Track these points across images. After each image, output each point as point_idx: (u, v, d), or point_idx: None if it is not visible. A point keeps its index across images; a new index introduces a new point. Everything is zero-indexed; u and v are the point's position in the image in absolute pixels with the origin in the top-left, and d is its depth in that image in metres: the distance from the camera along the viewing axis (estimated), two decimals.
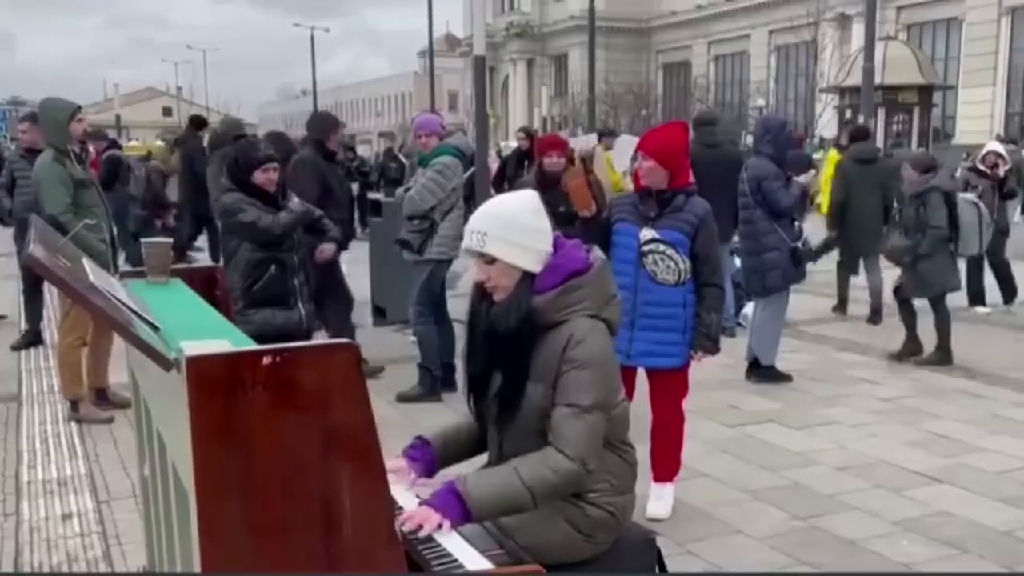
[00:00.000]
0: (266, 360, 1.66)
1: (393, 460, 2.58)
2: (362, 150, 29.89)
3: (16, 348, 7.95)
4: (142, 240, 2.83)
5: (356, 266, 8.30)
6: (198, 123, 11.82)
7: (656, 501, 4.34)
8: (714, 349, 4.29)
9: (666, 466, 4.39)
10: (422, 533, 2.26)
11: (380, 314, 8.85)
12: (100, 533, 4.28)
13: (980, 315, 9.20)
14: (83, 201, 5.89)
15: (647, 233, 4.18)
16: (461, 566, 2.12)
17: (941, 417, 5.92)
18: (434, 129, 6.42)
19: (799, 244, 6.37)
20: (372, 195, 11.46)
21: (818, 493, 4.67)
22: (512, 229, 2.49)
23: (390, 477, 2.55)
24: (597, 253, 2.63)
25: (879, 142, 26.71)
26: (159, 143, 14.29)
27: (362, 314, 8.96)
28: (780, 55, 45.25)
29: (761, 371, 6.74)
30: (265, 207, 4.94)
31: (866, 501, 4.56)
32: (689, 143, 4.58)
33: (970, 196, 7.78)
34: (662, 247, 4.15)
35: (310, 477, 1.73)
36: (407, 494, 2.53)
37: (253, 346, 1.72)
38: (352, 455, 1.76)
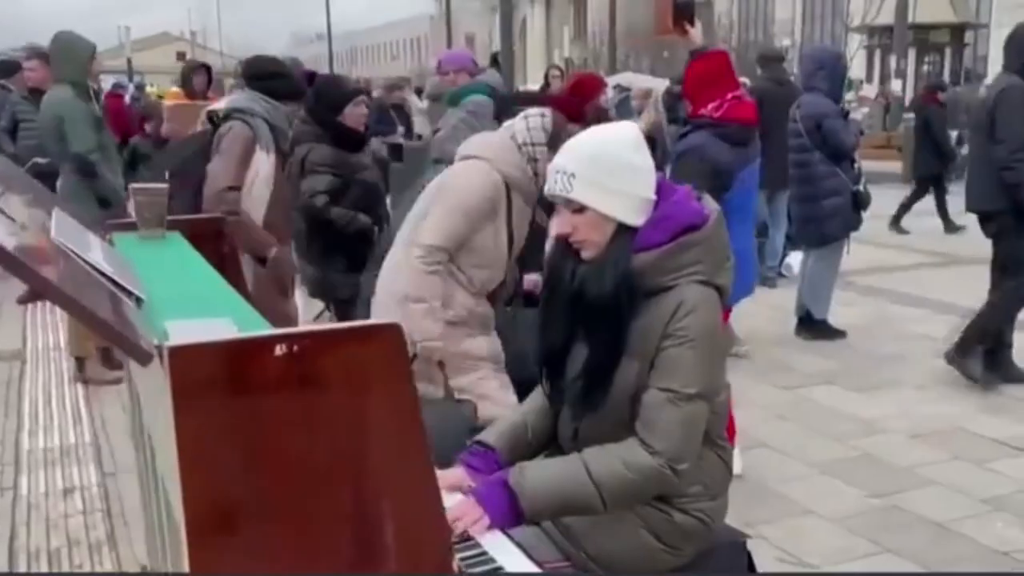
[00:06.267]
0: (279, 350, 1.22)
1: (450, 472, 2.13)
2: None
3: (22, 302, 7.57)
4: (131, 185, 2.38)
5: None
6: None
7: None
8: None
9: None
10: (458, 530, 1.86)
11: None
12: (104, 511, 3.89)
13: None
14: (103, 141, 5.68)
15: None
16: None
17: None
18: (464, 64, 5.89)
19: (860, 187, 5.83)
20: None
21: (893, 466, 4.23)
22: (608, 170, 1.99)
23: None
24: (710, 203, 2.12)
25: (910, 83, 25.79)
26: (173, 89, 13.39)
27: None
28: None
29: (813, 326, 6.26)
30: (346, 154, 4.67)
31: (947, 475, 4.12)
32: (726, 73, 4.18)
33: None
34: None
35: (340, 504, 1.29)
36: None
37: (264, 331, 1.27)
38: (396, 474, 1.31)
